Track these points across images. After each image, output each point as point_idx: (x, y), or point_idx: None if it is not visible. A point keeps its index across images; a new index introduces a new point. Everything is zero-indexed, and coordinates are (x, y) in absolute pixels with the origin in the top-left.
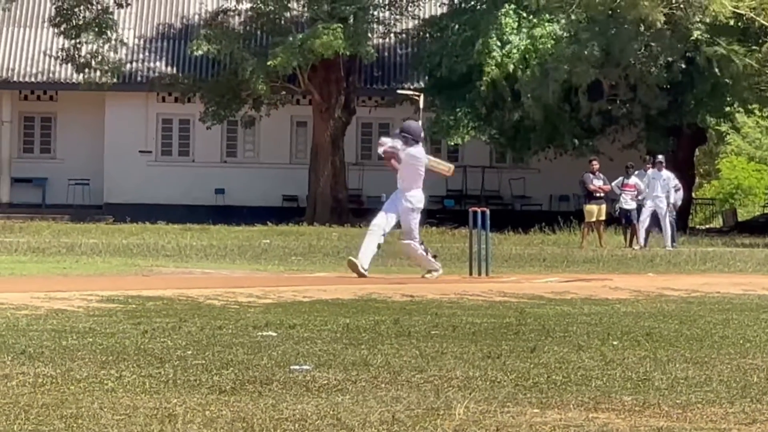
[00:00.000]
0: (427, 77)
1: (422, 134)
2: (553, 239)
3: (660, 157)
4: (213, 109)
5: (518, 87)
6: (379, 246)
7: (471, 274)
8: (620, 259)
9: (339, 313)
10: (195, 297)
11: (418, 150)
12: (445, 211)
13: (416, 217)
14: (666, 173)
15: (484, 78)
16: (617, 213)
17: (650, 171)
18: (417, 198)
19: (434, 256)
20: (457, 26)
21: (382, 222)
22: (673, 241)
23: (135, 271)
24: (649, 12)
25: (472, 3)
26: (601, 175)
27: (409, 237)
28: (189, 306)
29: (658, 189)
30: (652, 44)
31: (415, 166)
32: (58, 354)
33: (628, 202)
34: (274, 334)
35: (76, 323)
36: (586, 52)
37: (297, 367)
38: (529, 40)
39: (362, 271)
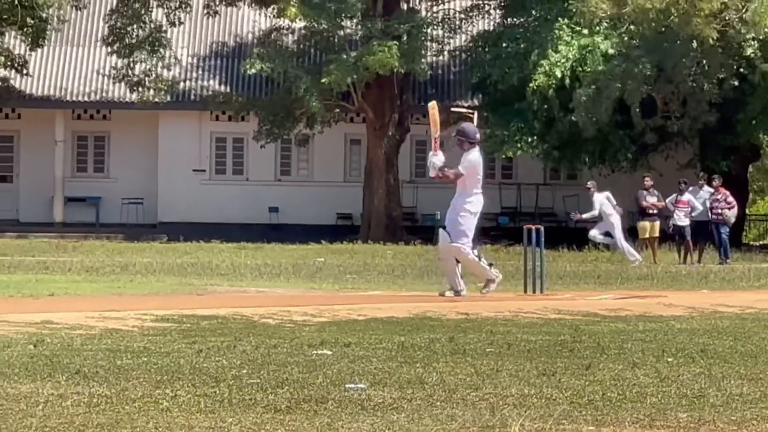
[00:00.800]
0: (480, 94)
1: (478, 136)
2: (607, 256)
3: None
4: (267, 128)
5: (572, 105)
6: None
7: (526, 291)
8: (674, 276)
9: (394, 331)
10: (250, 316)
11: (475, 154)
12: (499, 228)
13: (472, 221)
14: (706, 190)
15: (531, 85)
16: (671, 229)
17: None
18: (476, 201)
19: (490, 264)
20: (509, 42)
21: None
22: (726, 257)
23: (189, 290)
24: (702, 29)
25: (524, 19)
26: (655, 192)
27: (459, 240)
28: (244, 325)
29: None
30: (704, 61)
31: (474, 170)
32: (113, 374)
33: (681, 219)
34: (329, 352)
35: (130, 343)
36: (636, 70)
37: (352, 385)
38: (578, 51)
39: (459, 291)
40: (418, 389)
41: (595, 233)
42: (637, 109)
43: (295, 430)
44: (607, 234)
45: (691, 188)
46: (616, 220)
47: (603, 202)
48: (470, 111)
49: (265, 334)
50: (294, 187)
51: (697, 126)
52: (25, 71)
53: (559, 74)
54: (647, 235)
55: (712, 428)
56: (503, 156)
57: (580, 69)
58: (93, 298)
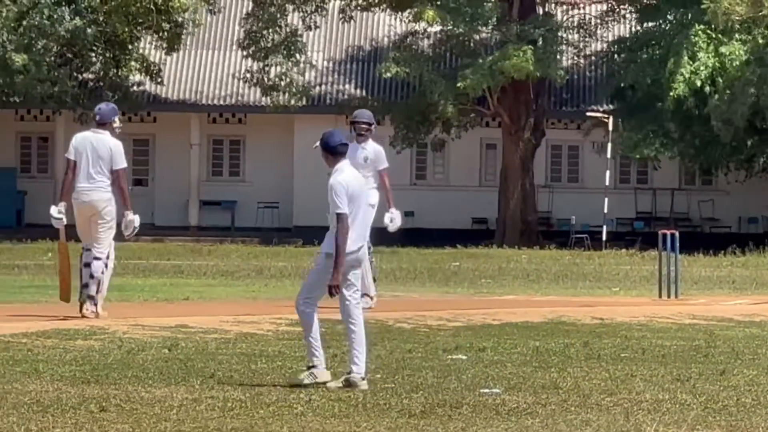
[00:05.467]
0: (615, 99)
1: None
2: (742, 261)
3: None
4: (403, 133)
5: (707, 110)
6: None
7: (660, 296)
8: None
9: (529, 336)
10: (384, 320)
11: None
12: (634, 233)
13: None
14: None
15: (671, 94)
16: None
17: None
18: None
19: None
20: (645, 48)
21: None
22: None
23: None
24: None
25: (660, 23)
26: None
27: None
28: (379, 329)
29: None
30: None
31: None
32: (247, 378)
33: None
34: (464, 357)
35: (265, 347)
36: None
37: (487, 390)
38: (717, 58)
39: None
40: (553, 394)
41: None
42: None
43: None
44: None
45: None
46: None
47: None
48: (605, 116)
49: (400, 338)
50: (430, 192)
51: None
52: (159, 79)
53: (698, 83)
54: None
55: None
56: (637, 157)
57: (719, 79)
58: (228, 302)
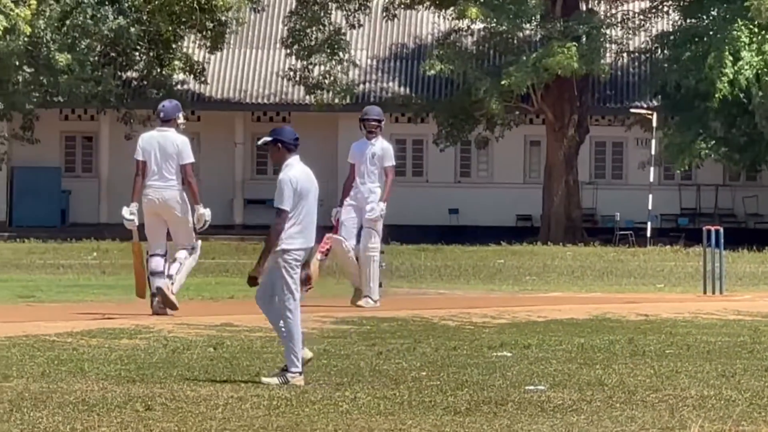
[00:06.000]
0: (659, 95)
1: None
2: None
3: None
4: (447, 131)
5: (752, 108)
6: None
7: (705, 292)
8: None
9: (573, 333)
10: (429, 318)
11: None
12: (679, 229)
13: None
14: None
15: (716, 96)
16: None
17: None
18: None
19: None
20: (688, 44)
21: None
22: None
23: None
24: None
25: (703, 19)
26: None
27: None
28: (423, 327)
29: None
30: None
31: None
32: None
33: None
34: (509, 354)
35: (310, 345)
36: None
37: (532, 387)
38: (761, 56)
39: None
40: (598, 391)
41: None
42: None
43: None
44: None
45: None
46: None
47: None
48: (649, 112)
49: (445, 336)
50: (474, 189)
51: None
52: (202, 78)
53: (743, 81)
54: None
55: None
56: (682, 169)
57: (766, 77)
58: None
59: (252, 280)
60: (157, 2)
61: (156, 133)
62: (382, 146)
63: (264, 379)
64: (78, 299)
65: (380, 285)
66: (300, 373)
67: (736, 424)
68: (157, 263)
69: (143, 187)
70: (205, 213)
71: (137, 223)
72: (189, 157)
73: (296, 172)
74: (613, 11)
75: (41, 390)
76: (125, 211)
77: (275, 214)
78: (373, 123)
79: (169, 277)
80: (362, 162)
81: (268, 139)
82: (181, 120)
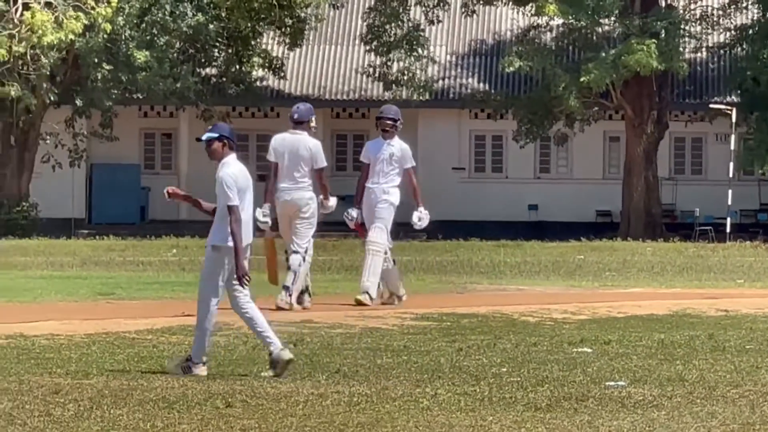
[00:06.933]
0: (739, 91)
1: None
2: None
3: None
4: (526, 127)
5: None
6: None
7: None
8: None
9: (654, 329)
10: (510, 314)
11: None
12: (758, 224)
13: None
14: None
15: None
16: None
17: None
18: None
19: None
20: (767, 38)
21: None
22: None
23: (449, 288)
24: None
25: None
26: None
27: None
28: (504, 323)
29: None
30: None
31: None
32: (373, 373)
33: None
34: (590, 350)
35: (390, 341)
36: None
37: (612, 383)
38: None
39: None
40: (678, 386)
41: None
42: None
43: (556, 429)
44: None
45: None
46: None
47: None
48: (729, 108)
49: (525, 332)
50: (553, 185)
51: None
52: (281, 74)
53: None
54: None
55: None
56: (762, 174)
57: None
58: (352, 297)
59: (245, 278)
60: None
61: (288, 135)
62: (401, 147)
63: (168, 367)
64: (158, 296)
65: (380, 285)
66: (204, 364)
67: None
68: (295, 260)
69: (275, 190)
70: (332, 199)
71: (270, 224)
72: (322, 162)
73: (234, 169)
74: (692, 6)
75: (121, 387)
76: (258, 213)
77: (228, 212)
78: (389, 122)
79: (286, 288)
80: (377, 162)
81: (214, 135)
82: (313, 123)
